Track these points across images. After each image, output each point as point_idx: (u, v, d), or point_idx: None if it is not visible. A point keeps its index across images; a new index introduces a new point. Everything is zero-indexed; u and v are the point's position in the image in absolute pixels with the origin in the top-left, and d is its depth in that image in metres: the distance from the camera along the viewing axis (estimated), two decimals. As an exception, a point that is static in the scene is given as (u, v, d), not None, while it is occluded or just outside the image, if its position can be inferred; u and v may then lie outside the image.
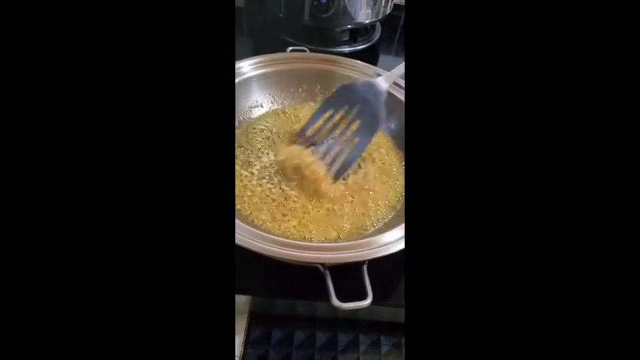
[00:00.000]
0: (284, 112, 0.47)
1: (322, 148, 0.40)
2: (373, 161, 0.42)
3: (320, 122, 0.41)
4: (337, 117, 0.41)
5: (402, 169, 0.42)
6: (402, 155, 0.43)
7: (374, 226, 0.36)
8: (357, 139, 0.39)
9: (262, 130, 0.44)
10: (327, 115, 0.41)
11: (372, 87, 0.40)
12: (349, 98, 0.40)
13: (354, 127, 0.40)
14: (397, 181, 0.41)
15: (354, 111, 0.40)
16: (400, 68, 0.42)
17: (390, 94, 0.45)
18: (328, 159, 0.39)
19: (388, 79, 0.41)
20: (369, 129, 0.39)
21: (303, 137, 0.41)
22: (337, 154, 0.39)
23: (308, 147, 0.40)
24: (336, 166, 0.38)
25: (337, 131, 0.41)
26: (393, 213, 0.38)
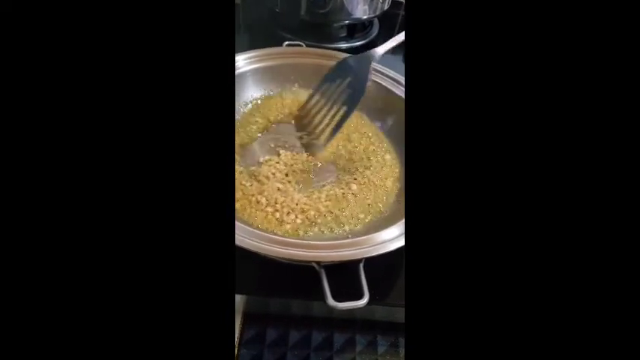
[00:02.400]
0: (280, 100, 0.46)
1: (310, 127, 0.43)
2: (369, 161, 0.41)
3: (318, 96, 0.44)
4: (331, 90, 0.43)
5: (397, 167, 0.41)
6: (398, 151, 0.43)
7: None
8: (344, 108, 0.42)
9: (258, 125, 0.43)
10: (326, 86, 0.44)
11: (364, 57, 0.43)
12: (343, 71, 0.43)
13: (343, 96, 0.42)
14: (390, 178, 0.40)
15: (345, 83, 0.43)
16: (397, 39, 0.45)
17: (388, 90, 0.45)
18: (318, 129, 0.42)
19: (384, 47, 0.44)
20: (354, 96, 0.42)
21: (303, 114, 0.44)
22: (326, 125, 0.42)
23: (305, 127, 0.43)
24: (324, 134, 0.42)
25: (329, 103, 0.43)
26: (386, 212, 0.37)
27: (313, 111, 0.44)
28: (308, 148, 0.42)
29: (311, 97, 0.45)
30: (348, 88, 0.42)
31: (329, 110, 0.43)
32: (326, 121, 0.42)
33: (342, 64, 0.45)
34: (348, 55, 0.46)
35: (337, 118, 0.42)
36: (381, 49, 0.44)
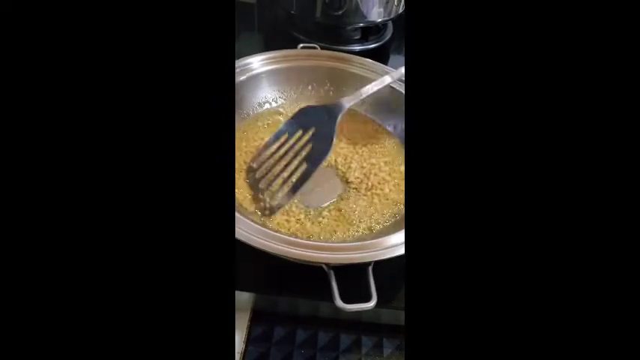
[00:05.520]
0: (292, 108, 0.47)
1: (263, 183, 0.37)
2: (381, 164, 0.42)
3: (273, 148, 0.39)
4: (293, 140, 0.38)
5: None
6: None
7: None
8: (304, 166, 0.36)
9: (270, 125, 0.44)
10: (283, 139, 0.39)
11: (330, 109, 0.39)
12: (305, 121, 0.39)
13: (307, 149, 0.37)
14: (402, 182, 0.40)
15: (308, 135, 0.38)
16: (369, 88, 0.41)
17: (399, 92, 0.45)
18: (267, 194, 0.36)
19: (351, 99, 0.40)
20: (319, 154, 0.37)
21: (254, 167, 0.39)
22: (279, 187, 0.37)
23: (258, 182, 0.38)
24: (272, 201, 0.36)
25: (291, 154, 0.38)
26: (397, 216, 0.37)
27: (267, 164, 0.38)
28: (262, 211, 0.36)
29: (265, 147, 0.39)
30: (311, 142, 0.37)
31: (287, 165, 0.37)
32: (282, 177, 0.37)
33: (304, 112, 0.40)
34: (308, 105, 0.42)
35: (297, 175, 0.36)
36: (347, 102, 0.40)
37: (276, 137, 0.39)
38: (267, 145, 0.39)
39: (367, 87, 0.41)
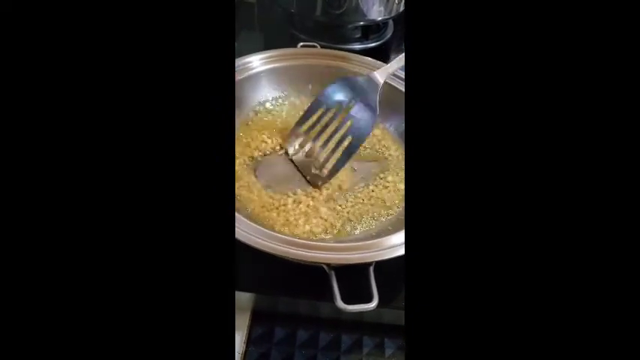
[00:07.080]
0: (293, 108, 0.46)
1: (312, 149, 0.39)
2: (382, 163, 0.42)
3: (314, 118, 0.40)
4: (331, 113, 0.39)
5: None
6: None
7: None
8: (350, 139, 0.38)
9: (270, 125, 0.44)
10: (322, 110, 0.39)
11: (368, 81, 0.39)
12: (344, 93, 0.39)
13: (348, 124, 0.38)
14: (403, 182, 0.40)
15: (349, 107, 0.39)
16: (397, 61, 0.40)
17: (398, 91, 0.44)
18: (317, 163, 0.38)
19: (384, 72, 0.40)
20: (364, 127, 0.38)
21: (296, 134, 0.40)
22: (328, 156, 0.38)
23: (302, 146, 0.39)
24: (325, 170, 0.38)
25: (331, 128, 0.39)
26: (399, 215, 0.37)
27: (313, 132, 0.39)
28: (312, 179, 0.38)
29: (307, 113, 0.40)
30: (352, 115, 0.38)
31: (331, 135, 0.38)
32: (329, 147, 0.38)
33: (340, 84, 0.40)
34: (349, 76, 0.42)
35: (343, 146, 0.37)
36: (381, 77, 0.40)
37: (317, 106, 0.39)
38: (308, 113, 0.40)
39: (397, 58, 0.41)
